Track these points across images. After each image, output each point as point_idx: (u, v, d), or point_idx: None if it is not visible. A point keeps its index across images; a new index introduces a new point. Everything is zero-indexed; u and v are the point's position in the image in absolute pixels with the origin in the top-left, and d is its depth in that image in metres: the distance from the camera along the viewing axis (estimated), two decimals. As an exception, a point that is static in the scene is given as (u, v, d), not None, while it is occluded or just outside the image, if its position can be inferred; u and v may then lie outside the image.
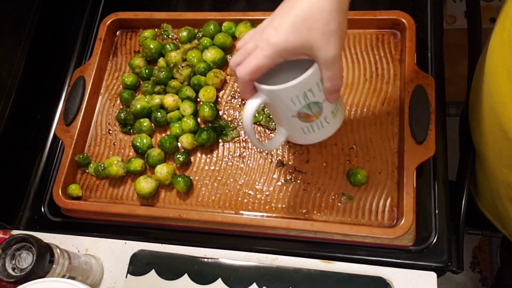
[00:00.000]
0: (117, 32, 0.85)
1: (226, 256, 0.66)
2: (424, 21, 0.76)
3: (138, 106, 0.74)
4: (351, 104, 0.71)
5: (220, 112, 0.75)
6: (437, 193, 0.66)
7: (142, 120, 0.75)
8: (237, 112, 0.75)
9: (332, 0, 0.46)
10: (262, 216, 0.67)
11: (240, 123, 0.74)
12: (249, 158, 0.71)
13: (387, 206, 0.65)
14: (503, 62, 0.56)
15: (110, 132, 0.77)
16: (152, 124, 0.75)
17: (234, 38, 0.79)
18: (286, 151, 0.71)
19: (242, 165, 0.71)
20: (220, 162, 0.72)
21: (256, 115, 0.73)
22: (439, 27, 0.76)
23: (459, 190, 0.70)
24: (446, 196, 0.66)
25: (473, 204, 0.81)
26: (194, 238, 0.69)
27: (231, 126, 0.74)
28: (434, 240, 0.64)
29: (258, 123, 0.73)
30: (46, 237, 0.70)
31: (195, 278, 0.64)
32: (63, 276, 0.61)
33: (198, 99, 0.76)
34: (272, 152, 0.71)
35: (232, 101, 0.76)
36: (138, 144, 0.73)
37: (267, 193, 0.69)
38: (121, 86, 0.80)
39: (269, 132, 0.72)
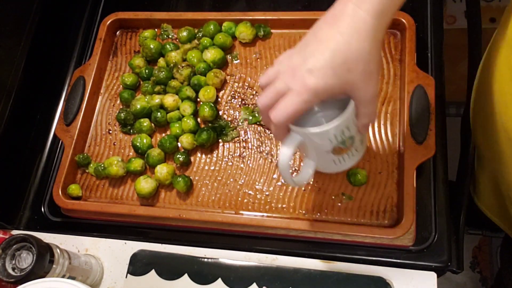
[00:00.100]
0: (117, 32, 0.85)
1: (226, 256, 0.66)
2: (424, 21, 0.76)
3: (138, 106, 0.74)
4: (351, 104, 0.71)
5: (220, 112, 0.75)
6: (437, 193, 0.66)
7: (142, 120, 0.75)
8: (237, 112, 0.75)
9: (371, 40, 0.44)
10: (262, 216, 0.67)
11: (240, 123, 0.74)
12: (249, 158, 0.71)
13: (387, 206, 0.65)
14: (506, 62, 0.56)
15: (110, 132, 0.77)
16: (152, 124, 0.75)
17: (234, 38, 0.79)
18: (286, 151, 0.71)
19: (242, 165, 0.71)
20: (220, 162, 0.72)
21: (256, 115, 0.73)
22: (439, 27, 0.76)
23: (459, 190, 0.70)
24: (446, 196, 0.66)
25: (473, 204, 0.81)
26: (194, 238, 0.69)
27: (231, 126, 0.74)
28: (434, 240, 0.64)
29: (258, 123, 0.73)
30: (46, 237, 0.70)
31: (195, 278, 0.64)
32: (63, 276, 0.61)
33: (198, 99, 0.76)
34: (272, 152, 0.71)
35: (232, 101, 0.76)
36: (138, 144, 0.73)
37: (267, 193, 0.69)
38: (121, 86, 0.80)
39: (269, 132, 0.72)
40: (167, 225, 0.70)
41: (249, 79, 0.77)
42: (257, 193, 0.69)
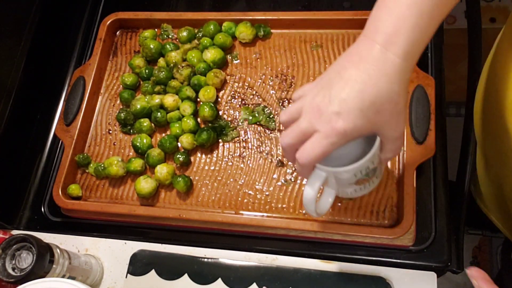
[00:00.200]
0: (117, 32, 0.85)
1: (226, 256, 0.66)
2: (424, 21, 0.76)
3: (138, 106, 0.74)
4: (351, 104, 0.71)
5: (220, 112, 0.75)
6: (437, 193, 0.66)
7: (142, 120, 0.75)
8: (237, 112, 0.75)
9: (400, 81, 0.43)
10: (262, 216, 0.67)
11: (240, 123, 0.74)
12: (249, 158, 0.71)
13: (387, 206, 0.65)
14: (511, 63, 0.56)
15: (110, 132, 0.77)
16: (152, 124, 0.75)
17: (234, 38, 0.79)
18: (286, 151, 0.71)
19: (242, 165, 0.71)
20: (220, 162, 0.72)
21: (256, 115, 0.73)
22: (439, 27, 0.75)
23: (459, 190, 0.70)
24: (446, 196, 0.66)
25: (473, 204, 0.81)
26: (194, 238, 0.69)
27: (231, 126, 0.74)
28: (434, 240, 0.64)
29: (258, 123, 0.73)
30: (46, 237, 0.70)
31: (195, 278, 0.64)
32: (63, 276, 0.61)
33: (198, 99, 0.76)
34: (272, 152, 0.71)
35: (232, 101, 0.76)
36: (138, 144, 0.72)
37: (267, 193, 0.69)
38: (121, 86, 0.80)
39: (269, 132, 0.72)
40: (167, 225, 0.70)
41: (249, 79, 0.77)
42: (257, 193, 0.69)
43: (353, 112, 0.43)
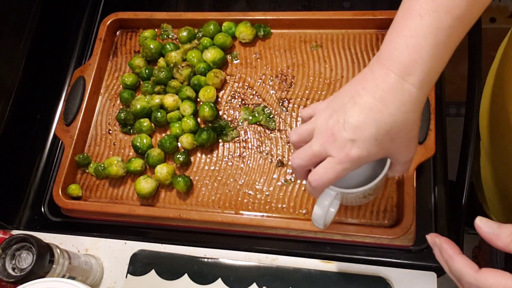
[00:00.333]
0: (117, 32, 0.85)
1: (226, 256, 0.66)
2: (424, 21, 0.76)
3: (138, 106, 0.74)
4: (351, 104, 0.71)
5: (220, 112, 0.75)
6: (437, 193, 0.66)
7: (142, 120, 0.75)
8: (237, 112, 0.75)
9: (415, 111, 0.44)
10: (262, 216, 0.67)
11: (240, 123, 0.74)
12: (249, 158, 0.71)
13: (387, 206, 0.65)
14: None
15: (110, 132, 0.77)
16: (152, 124, 0.75)
17: (234, 38, 0.79)
18: (286, 151, 0.71)
19: (242, 165, 0.71)
20: (220, 162, 0.72)
21: (256, 115, 0.73)
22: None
23: (459, 190, 0.70)
24: (446, 196, 0.66)
25: (473, 204, 0.81)
26: (194, 238, 0.69)
27: (231, 126, 0.74)
28: (434, 240, 0.64)
29: (258, 123, 0.73)
30: (46, 237, 0.70)
31: (195, 278, 0.64)
32: (63, 276, 0.61)
33: (198, 99, 0.76)
34: (272, 152, 0.71)
35: (232, 101, 0.76)
36: (138, 144, 0.72)
37: (267, 193, 0.69)
38: (121, 86, 0.80)
39: (269, 132, 0.72)
40: (167, 225, 0.70)
41: (249, 79, 0.77)
42: (257, 193, 0.69)
43: (368, 140, 0.43)
